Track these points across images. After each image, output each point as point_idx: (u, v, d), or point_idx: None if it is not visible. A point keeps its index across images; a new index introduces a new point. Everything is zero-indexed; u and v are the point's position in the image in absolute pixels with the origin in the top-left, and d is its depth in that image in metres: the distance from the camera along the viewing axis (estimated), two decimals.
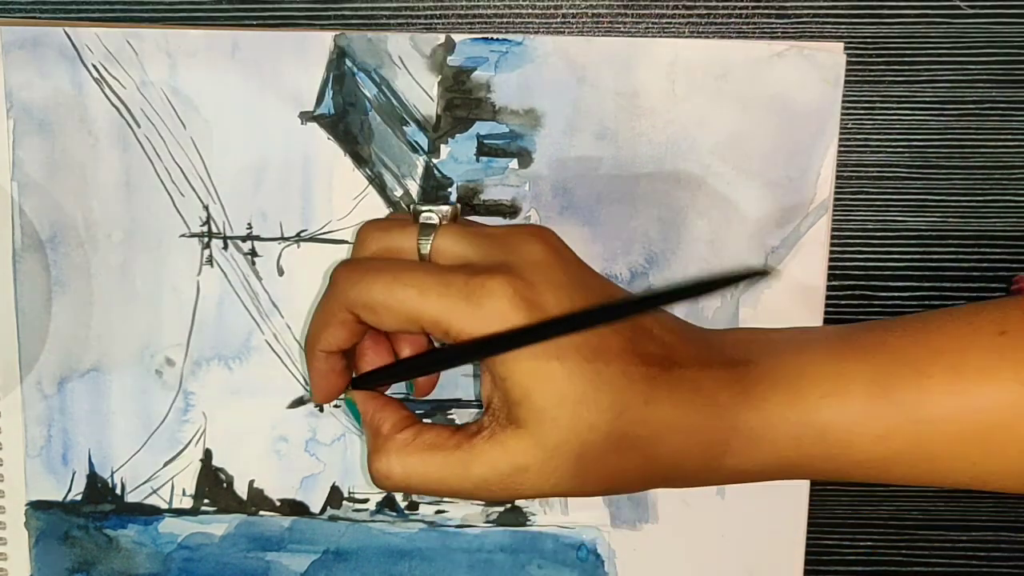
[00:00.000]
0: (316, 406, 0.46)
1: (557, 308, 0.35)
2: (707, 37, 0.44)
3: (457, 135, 0.44)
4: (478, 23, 0.44)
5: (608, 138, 0.44)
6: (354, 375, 0.41)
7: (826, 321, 0.45)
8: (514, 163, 0.45)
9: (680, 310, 0.45)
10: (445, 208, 0.39)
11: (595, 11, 0.44)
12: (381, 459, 0.38)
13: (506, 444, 0.36)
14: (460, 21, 0.44)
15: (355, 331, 0.39)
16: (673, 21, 0.44)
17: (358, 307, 0.37)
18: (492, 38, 0.44)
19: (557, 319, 0.35)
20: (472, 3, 0.44)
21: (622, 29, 0.44)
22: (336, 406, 0.46)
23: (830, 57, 0.43)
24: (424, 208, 0.39)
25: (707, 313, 0.45)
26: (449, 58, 0.44)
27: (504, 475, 0.36)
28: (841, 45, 0.43)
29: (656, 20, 0.44)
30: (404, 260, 0.38)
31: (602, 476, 0.36)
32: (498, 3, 0.44)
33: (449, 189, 0.45)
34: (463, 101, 0.44)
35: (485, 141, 0.44)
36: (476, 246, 0.37)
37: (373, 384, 0.41)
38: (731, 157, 0.44)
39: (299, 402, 0.46)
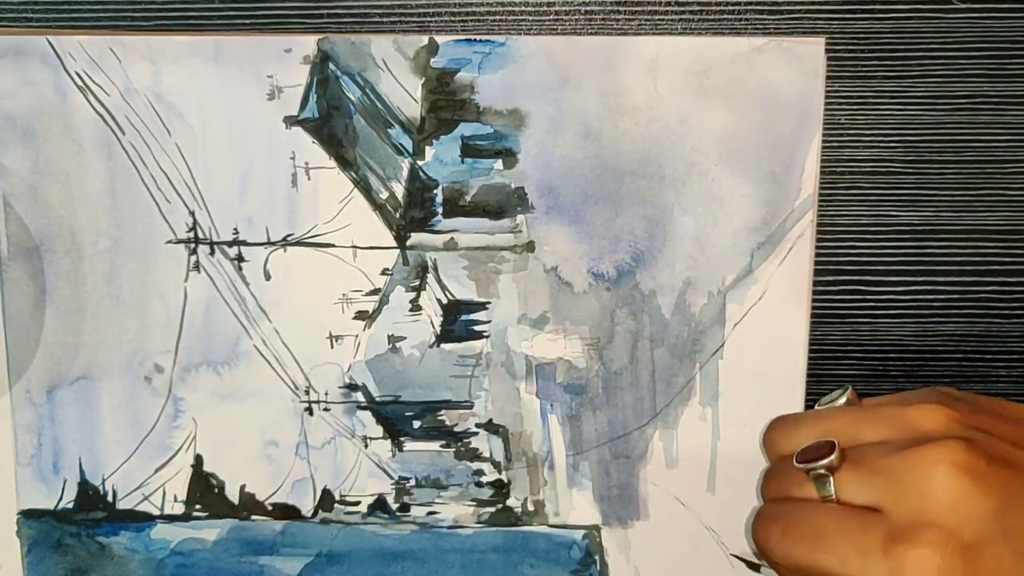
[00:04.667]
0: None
1: None
2: (700, 34, 0.44)
3: (441, 136, 0.44)
4: (471, 21, 0.44)
5: (592, 137, 0.44)
6: None
7: (818, 316, 0.45)
8: (499, 164, 0.44)
9: (667, 308, 0.45)
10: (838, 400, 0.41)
11: (588, 8, 0.44)
12: None
13: None
14: (453, 19, 0.44)
15: None
16: (666, 18, 0.44)
17: (787, 567, 0.37)
18: (475, 39, 0.43)
19: None
20: (465, 1, 0.44)
21: (615, 26, 0.44)
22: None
23: (809, 50, 0.43)
24: (809, 465, 0.37)
25: (694, 309, 0.45)
26: (432, 60, 0.44)
27: None
28: (822, 39, 0.43)
29: (649, 17, 0.44)
30: (816, 508, 0.37)
31: None
32: (491, 0, 0.44)
33: (435, 191, 0.45)
34: (447, 103, 0.44)
35: (469, 142, 0.44)
36: (881, 489, 0.36)
37: None
38: (715, 153, 0.44)
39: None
